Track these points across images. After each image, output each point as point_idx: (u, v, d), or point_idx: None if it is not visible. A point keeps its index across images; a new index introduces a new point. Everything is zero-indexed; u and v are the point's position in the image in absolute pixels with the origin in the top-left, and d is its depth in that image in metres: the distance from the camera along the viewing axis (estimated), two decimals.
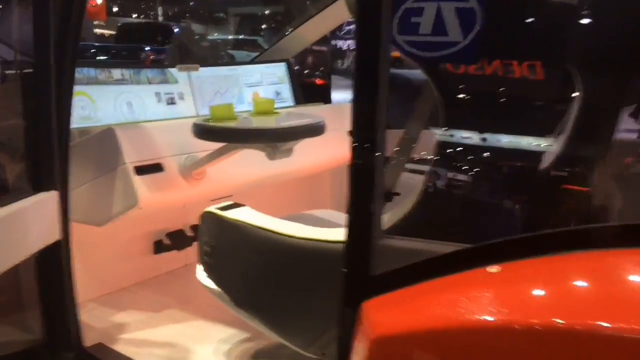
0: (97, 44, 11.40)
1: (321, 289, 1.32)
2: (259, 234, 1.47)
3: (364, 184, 1.21)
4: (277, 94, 3.18)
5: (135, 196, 2.02)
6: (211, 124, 1.86)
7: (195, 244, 2.56)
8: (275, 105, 3.08)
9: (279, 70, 3.20)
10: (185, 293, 2.40)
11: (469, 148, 1.27)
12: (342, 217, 2.14)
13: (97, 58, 9.85)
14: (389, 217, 1.29)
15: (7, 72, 2.09)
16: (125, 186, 2.04)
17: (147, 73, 2.63)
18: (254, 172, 2.42)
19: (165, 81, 2.70)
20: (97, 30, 14.73)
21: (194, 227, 2.56)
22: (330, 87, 4.06)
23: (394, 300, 1.03)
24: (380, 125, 1.22)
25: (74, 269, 1.90)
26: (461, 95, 1.41)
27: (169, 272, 2.60)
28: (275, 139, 1.84)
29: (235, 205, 1.66)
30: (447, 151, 1.30)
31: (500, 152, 1.24)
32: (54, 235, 1.84)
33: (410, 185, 1.89)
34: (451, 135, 1.37)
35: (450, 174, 1.27)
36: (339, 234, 1.41)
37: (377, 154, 1.21)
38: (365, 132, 1.22)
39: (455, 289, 0.94)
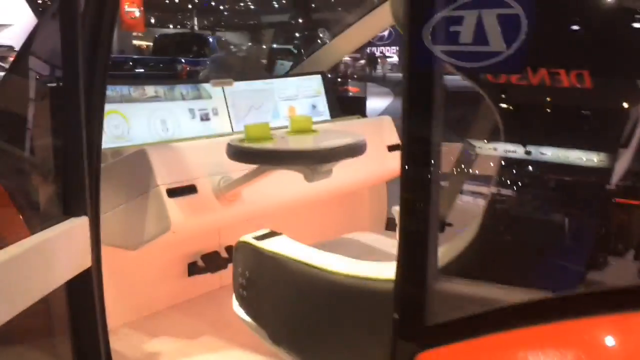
0: (134, 57, 11.55)
1: (368, 332, 1.19)
2: (298, 268, 1.36)
3: (418, 212, 1.08)
4: (313, 107, 3.08)
5: (167, 220, 1.94)
6: (246, 145, 1.76)
7: (230, 265, 2.47)
8: (312, 120, 3.01)
9: (314, 82, 3.10)
10: (221, 318, 2.30)
11: (540, 165, 1.11)
12: (385, 241, 2.03)
13: (135, 70, 9.95)
14: (444, 251, 1.16)
15: (40, 90, 2.05)
16: (157, 209, 1.96)
17: (181, 89, 2.56)
18: (290, 192, 2.32)
19: (199, 97, 2.62)
20: (136, 42, 14.98)
21: (229, 249, 2.47)
22: (366, 98, 3.95)
23: (454, 355, 0.91)
24: (436, 143, 1.08)
25: (104, 296, 1.82)
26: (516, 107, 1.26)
27: (203, 294, 2.51)
28: (314, 161, 1.73)
29: (272, 233, 1.55)
30: (512, 169, 1.15)
31: (582, 171, 1.07)
32: (85, 262, 1.77)
33: (467, 212, 1.75)
34: (513, 151, 1.22)
35: (517, 197, 1.12)
36: (388, 270, 1.29)
37: (432, 177, 1.08)
38: (418, 151, 1.07)
39: (534, 344, 0.81)
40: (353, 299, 1.25)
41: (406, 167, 1.08)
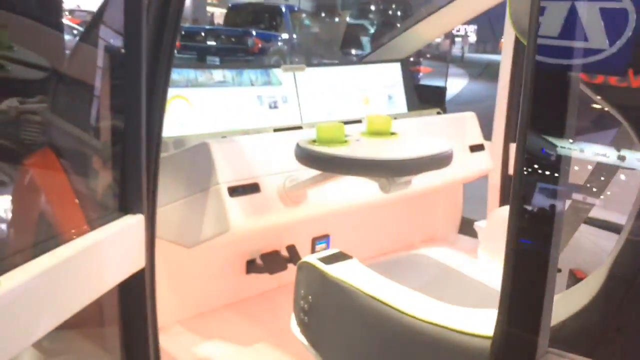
0: (206, 27, 11.52)
1: None
2: (370, 304, 1.17)
3: (531, 255, 0.90)
4: (390, 98, 2.85)
5: (227, 221, 1.79)
6: (317, 148, 1.57)
7: (289, 265, 2.32)
8: (388, 112, 2.79)
9: (392, 71, 2.86)
10: (277, 324, 2.16)
11: None
12: (461, 260, 1.81)
13: (207, 42, 9.87)
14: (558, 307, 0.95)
15: (103, 69, 1.92)
16: (217, 208, 1.81)
17: (250, 74, 2.40)
18: (361, 195, 2.13)
19: (268, 83, 2.45)
20: (210, 9, 14.95)
21: (290, 248, 2.31)
22: (446, 88, 3.66)
23: None
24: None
25: (155, 298, 1.70)
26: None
27: (260, 294, 2.37)
28: (393, 173, 1.53)
29: (341, 256, 1.37)
30: None
31: None
32: (139, 263, 1.65)
33: (587, 252, 1.51)
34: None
35: None
36: (481, 319, 1.09)
37: (556, 211, 0.89)
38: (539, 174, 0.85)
39: None
40: (434, 351, 1.06)
41: (519, 194, 0.88)
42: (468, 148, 2.53)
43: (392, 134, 1.76)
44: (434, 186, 2.39)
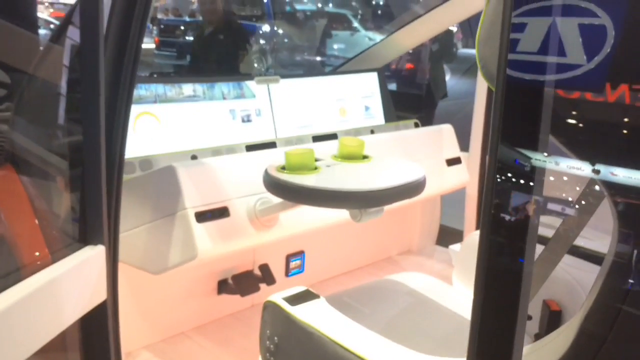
0: (186, 19, 11.28)
1: None
2: (336, 352, 1.12)
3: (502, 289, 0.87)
4: (367, 108, 2.79)
5: (194, 248, 1.73)
6: (285, 177, 1.51)
7: (262, 286, 2.26)
8: (365, 124, 2.73)
9: (369, 81, 2.81)
10: (248, 345, 2.10)
11: None
12: (438, 287, 1.76)
13: (186, 38, 9.60)
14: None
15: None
16: (184, 234, 1.74)
17: (222, 87, 2.32)
18: (335, 213, 2.07)
19: (241, 96, 2.38)
20: None
21: (263, 267, 2.25)
22: (435, 99, 3.61)
23: None
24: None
25: (119, 330, 1.63)
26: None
27: (232, 314, 2.31)
28: (362, 204, 1.47)
29: (308, 295, 1.31)
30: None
31: None
32: (100, 295, 1.58)
33: (561, 282, 1.45)
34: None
35: None
36: None
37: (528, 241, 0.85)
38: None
39: None
40: None
41: (487, 222, 0.84)
42: (445, 162, 2.49)
43: (365, 157, 1.70)
44: (413, 200, 2.35)
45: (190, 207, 1.75)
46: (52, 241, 1.70)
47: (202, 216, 1.77)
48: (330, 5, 14.94)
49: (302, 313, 1.24)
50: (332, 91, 2.66)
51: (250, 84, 2.42)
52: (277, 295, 1.33)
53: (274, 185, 1.53)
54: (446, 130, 2.56)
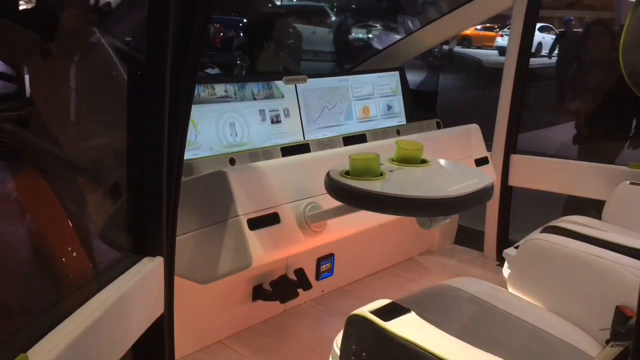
0: None
1: None
2: None
3: None
4: (389, 107, 2.76)
5: (249, 256, 1.67)
6: (351, 182, 1.46)
7: (300, 291, 2.20)
8: (388, 124, 2.70)
9: (391, 80, 2.77)
10: (288, 354, 2.05)
11: None
12: (496, 293, 1.74)
13: None
14: None
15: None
16: (237, 242, 1.68)
17: (252, 87, 2.25)
18: (370, 216, 2.03)
19: (270, 96, 2.32)
20: None
21: (299, 272, 2.20)
22: (437, 93, 3.60)
23: None
24: None
25: (174, 348, 1.56)
26: None
27: (265, 320, 2.26)
28: (437, 212, 1.43)
29: (397, 309, 1.27)
30: None
31: None
32: (159, 309, 1.50)
33: (633, 286, 1.44)
34: None
35: None
36: None
37: None
38: None
39: None
40: None
41: None
42: (474, 162, 2.47)
43: (423, 161, 1.66)
44: None
45: (242, 214, 1.69)
46: (105, 253, 1.62)
47: (254, 223, 1.71)
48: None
49: (396, 328, 1.19)
50: (356, 90, 2.62)
51: (279, 84, 2.35)
52: (363, 309, 1.28)
53: (341, 191, 1.48)
54: (474, 130, 2.55)
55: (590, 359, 1.43)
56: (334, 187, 1.50)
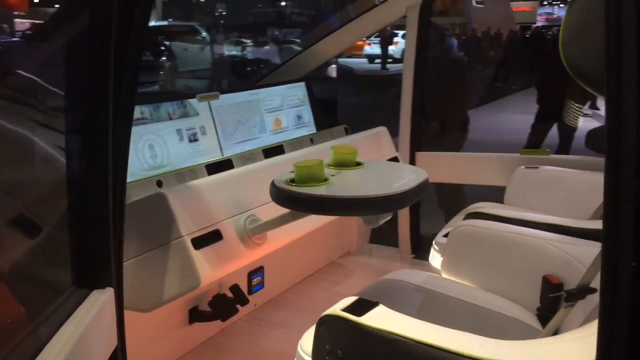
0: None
1: None
2: (425, 353, 1.15)
3: None
4: (299, 117, 2.82)
5: (197, 276, 1.64)
6: (302, 190, 1.50)
7: (238, 307, 2.19)
8: (299, 133, 2.76)
9: (298, 91, 2.84)
10: None
11: None
12: (435, 280, 1.86)
13: None
14: None
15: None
16: (183, 263, 1.65)
17: (167, 107, 2.21)
18: (303, 223, 2.08)
19: (186, 115, 2.29)
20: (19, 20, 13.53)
21: (234, 288, 2.18)
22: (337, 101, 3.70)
23: None
24: None
25: None
26: None
27: (204, 342, 2.21)
28: (390, 208, 1.51)
29: (366, 304, 1.32)
30: None
31: None
32: (112, 343, 1.44)
33: (555, 258, 1.57)
34: None
35: None
36: (540, 353, 1.13)
37: None
38: None
39: None
40: None
41: None
42: (387, 162, 2.61)
43: (359, 164, 1.74)
44: None
45: (186, 235, 1.66)
46: (48, 288, 1.53)
47: (198, 242, 1.69)
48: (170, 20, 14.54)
49: (371, 321, 1.25)
50: (267, 103, 2.66)
51: (193, 102, 2.33)
52: (334, 309, 1.31)
53: (291, 199, 1.51)
54: (382, 133, 2.69)
55: (530, 327, 1.58)
56: (284, 196, 1.53)
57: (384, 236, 3.12)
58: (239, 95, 2.54)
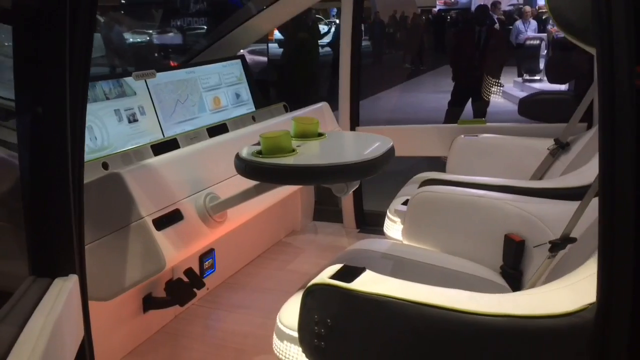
0: None
1: None
2: (420, 312, 1.15)
3: None
4: (237, 96, 2.75)
5: (161, 258, 1.56)
6: (271, 161, 1.45)
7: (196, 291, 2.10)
8: (239, 112, 2.68)
9: (235, 69, 2.76)
10: (194, 358, 1.96)
11: None
12: (398, 246, 1.87)
13: None
14: None
15: None
16: (145, 246, 1.56)
17: (103, 86, 2.08)
18: (258, 201, 2.03)
19: (122, 94, 2.16)
20: None
21: (189, 272, 2.10)
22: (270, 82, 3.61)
23: None
24: None
25: None
26: None
27: (159, 330, 2.11)
28: (361, 175, 1.50)
29: (353, 270, 1.30)
30: None
31: None
32: (80, 334, 1.34)
33: (518, 220, 1.62)
34: None
35: None
36: (534, 302, 1.16)
37: None
38: None
39: None
40: (516, 342, 1.10)
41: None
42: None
43: (321, 135, 1.71)
44: None
45: (146, 215, 1.57)
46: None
47: (160, 222, 1.60)
48: None
49: (363, 286, 1.23)
50: (205, 81, 2.56)
51: (129, 81, 2.20)
52: (321, 277, 1.28)
53: (257, 170, 1.46)
54: (325, 108, 2.67)
55: (497, 284, 1.63)
56: (253, 169, 1.47)
57: (327, 213, 3.12)
58: (176, 73, 2.43)
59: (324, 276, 1.30)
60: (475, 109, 6.09)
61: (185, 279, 2.09)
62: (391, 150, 1.57)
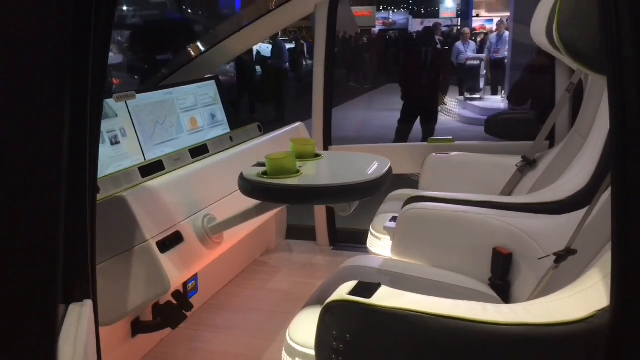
0: None
1: None
2: (441, 324, 1.21)
3: None
4: (212, 117, 2.75)
5: (165, 280, 1.56)
6: (279, 182, 1.48)
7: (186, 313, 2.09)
8: (215, 133, 2.69)
9: (209, 89, 2.77)
10: None
11: None
12: (390, 263, 1.92)
13: None
14: None
15: None
16: (149, 269, 1.55)
17: None
18: (252, 222, 2.05)
19: (105, 116, 2.13)
20: None
21: (177, 294, 2.08)
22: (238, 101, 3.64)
23: None
24: None
25: None
26: None
27: (147, 354, 2.08)
28: (365, 195, 1.55)
29: (369, 286, 1.34)
30: None
31: None
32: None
33: (505, 234, 1.70)
34: None
35: None
36: (547, 310, 1.23)
37: None
38: None
39: None
40: (533, 351, 1.17)
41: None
42: None
43: (318, 155, 1.76)
44: None
45: (150, 238, 1.56)
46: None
47: (163, 245, 1.60)
48: None
49: (383, 301, 1.27)
50: (182, 102, 2.56)
51: (110, 102, 2.18)
52: (340, 294, 1.32)
53: (263, 190, 1.49)
54: (301, 129, 2.72)
55: (488, 295, 1.72)
56: (261, 190, 1.50)
57: (298, 231, 3.15)
58: (154, 95, 2.42)
59: (342, 293, 1.33)
60: (424, 127, 6.28)
61: (174, 302, 2.08)
62: (390, 169, 1.64)
